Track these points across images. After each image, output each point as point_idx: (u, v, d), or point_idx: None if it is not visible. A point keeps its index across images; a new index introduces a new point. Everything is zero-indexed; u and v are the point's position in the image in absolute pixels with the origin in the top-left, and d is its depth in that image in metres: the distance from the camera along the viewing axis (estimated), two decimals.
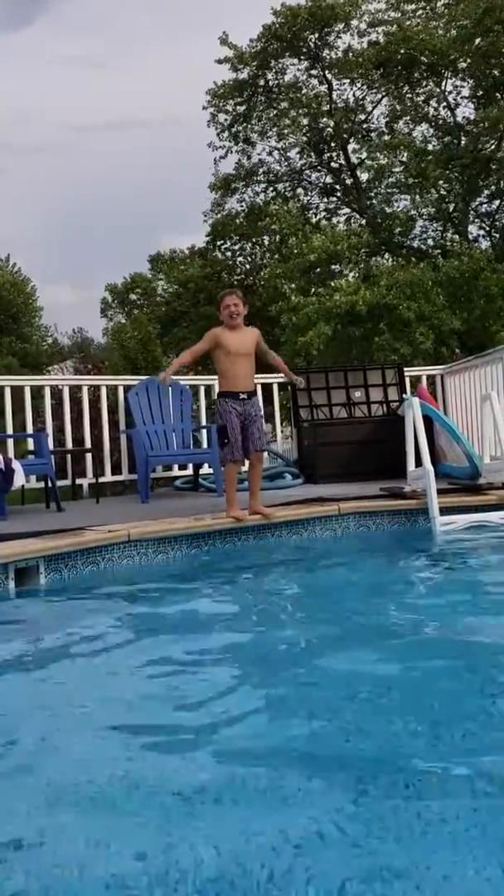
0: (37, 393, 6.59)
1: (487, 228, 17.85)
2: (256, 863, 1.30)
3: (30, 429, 6.13)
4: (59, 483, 5.78)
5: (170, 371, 4.79)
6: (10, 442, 5.97)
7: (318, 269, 15.21)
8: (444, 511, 4.64)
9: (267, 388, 7.29)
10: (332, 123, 17.95)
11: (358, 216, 18.22)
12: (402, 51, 15.94)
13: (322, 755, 1.76)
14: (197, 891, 1.23)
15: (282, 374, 7.54)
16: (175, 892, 1.24)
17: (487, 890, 1.23)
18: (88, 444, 6.46)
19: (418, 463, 5.00)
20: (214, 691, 2.22)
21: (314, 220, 17.81)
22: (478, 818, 1.44)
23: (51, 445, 6.01)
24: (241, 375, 4.58)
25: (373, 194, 17.59)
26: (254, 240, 19.22)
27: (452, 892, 1.24)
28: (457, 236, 16.53)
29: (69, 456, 6.42)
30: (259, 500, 4.56)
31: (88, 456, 6.44)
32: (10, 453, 5.52)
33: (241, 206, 18.90)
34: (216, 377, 4.84)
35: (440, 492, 4.80)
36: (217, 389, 4.80)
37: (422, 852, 1.33)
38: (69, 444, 6.49)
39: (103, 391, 6.81)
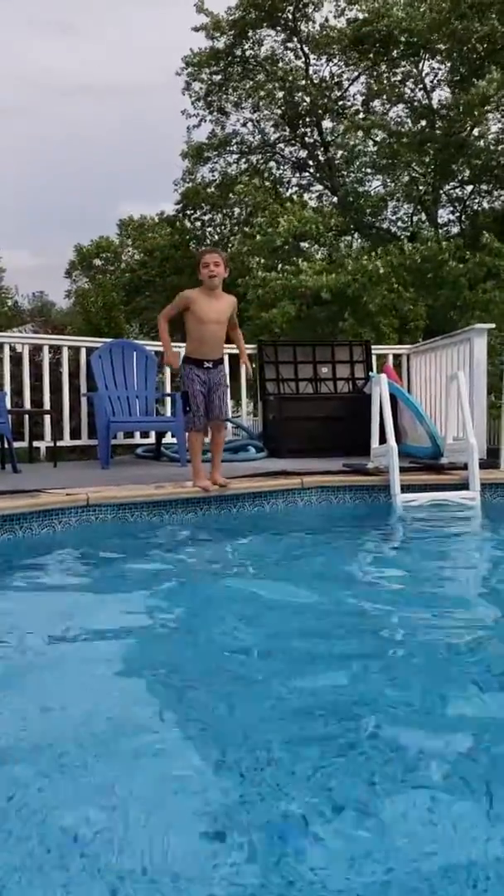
0: None
1: (458, 214, 17.92)
2: None
3: None
4: (16, 445, 5.62)
5: (172, 353, 4.63)
6: None
7: (287, 247, 15.08)
8: (406, 489, 4.66)
9: (233, 360, 7.20)
10: (307, 99, 17.74)
11: (330, 194, 18.10)
12: (380, 28, 15.77)
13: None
14: None
15: (247, 346, 7.48)
16: None
17: None
18: (48, 407, 6.29)
19: (382, 440, 4.99)
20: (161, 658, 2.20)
21: (286, 195, 17.63)
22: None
23: (8, 406, 5.82)
24: (209, 342, 4.44)
25: (345, 173, 17.49)
26: (224, 211, 18.98)
27: None
28: (427, 220, 16.56)
29: (27, 417, 6.24)
30: (220, 470, 4.50)
31: (47, 418, 6.28)
32: None
33: (213, 175, 18.62)
34: (184, 345, 4.70)
35: (402, 470, 4.81)
36: (183, 354, 4.64)
37: None
38: (27, 406, 6.30)
39: (65, 353, 6.63)
